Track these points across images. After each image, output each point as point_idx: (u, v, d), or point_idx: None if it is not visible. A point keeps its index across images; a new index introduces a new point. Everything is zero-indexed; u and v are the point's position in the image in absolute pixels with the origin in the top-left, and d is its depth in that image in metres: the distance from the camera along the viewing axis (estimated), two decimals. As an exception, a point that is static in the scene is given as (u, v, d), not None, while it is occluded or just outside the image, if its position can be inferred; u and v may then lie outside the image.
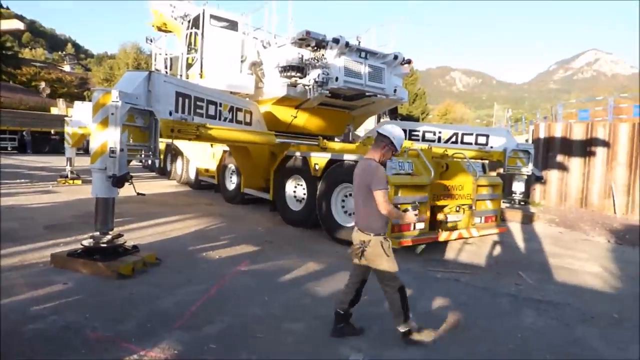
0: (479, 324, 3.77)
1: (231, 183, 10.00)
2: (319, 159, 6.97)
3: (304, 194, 7.48)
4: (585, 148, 12.42)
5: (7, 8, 75.01)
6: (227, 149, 9.47)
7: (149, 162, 15.45)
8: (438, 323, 3.73)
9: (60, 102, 31.65)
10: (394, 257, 3.30)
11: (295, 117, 8.72)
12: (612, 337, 3.69)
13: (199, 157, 11.28)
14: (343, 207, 6.58)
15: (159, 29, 11.28)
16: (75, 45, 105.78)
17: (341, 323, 3.38)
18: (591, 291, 4.96)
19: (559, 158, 12.87)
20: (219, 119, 6.41)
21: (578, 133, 12.69)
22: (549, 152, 13.15)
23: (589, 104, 22.11)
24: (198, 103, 5.94)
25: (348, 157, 6.46)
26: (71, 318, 3.35)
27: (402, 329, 3.26)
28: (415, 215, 3.43)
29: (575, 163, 12.55)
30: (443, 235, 6.09)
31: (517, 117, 42.16)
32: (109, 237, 4.67)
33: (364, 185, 3.19)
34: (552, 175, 12.88)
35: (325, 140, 7.99)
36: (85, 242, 4.64)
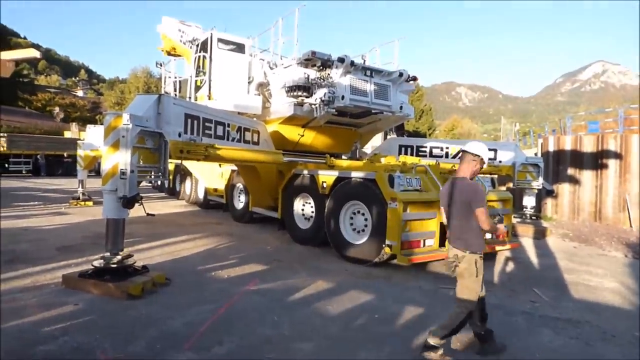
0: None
1: (239, 202, 10.05)
2: (326, 177, 6.98)
3: (312, 212, 7.47)
4: (596, 160, 12.28)
5: (25, 37, 77.61)
6: (235, 168, 9.55)
7: (159, 182, 15.67)
8: (451, 342, 3.65)
9: (74, 126, 32.38)
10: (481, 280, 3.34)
11: (303, 135, 8.79)
12: (635, 356, 3.56)
13: (208, 177, 11.39)
14: (351, 224, 6.55)
15: (169, 54, 11.58)
16: (88, 71, 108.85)
17: (485, 342, 3.40)
18: (610, 308, 4.82)
19: (570, 171, 12.73)
20: (227, 139, 6.49)
21: (588, 145, 12.58)
22: (559, 165, 13.03)
23: (599, 115, 21.98)
24: (206, 124, 6.03)
25: (355, 175, 6.46)
26: (81, 339, 3.35)
27: (432, 341, 3.20)
28: (505, 226, 3.54)
29: (586, 176, 12.40)
30: (454, 252, 6.01)
31: (524, 130, 41.96)
32: (119, 257, 4.69)
33: (463, 203, 3.26)
34: (564, 188, 12.72)
35: (332, 158, 8.01)
36: (96, 263, 4.67)
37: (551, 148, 13.45)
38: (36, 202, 12.21)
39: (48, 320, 3.72)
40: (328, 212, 6.82)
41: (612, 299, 5.14)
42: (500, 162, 9.71)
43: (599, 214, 12.01)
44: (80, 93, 67.78)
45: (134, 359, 3.11)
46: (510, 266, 6.67)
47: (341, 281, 5.35)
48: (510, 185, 10.54)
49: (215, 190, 11.27)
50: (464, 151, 3.45)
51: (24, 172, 24.55)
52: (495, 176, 8.95)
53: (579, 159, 12.65)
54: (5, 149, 23.73)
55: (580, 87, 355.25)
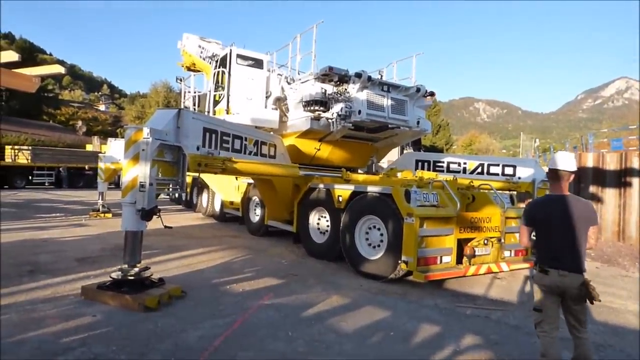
0: (513, 364, 3.58)
1: (255, 215, 10.09)
2: (342, 191, 6.98)
3: (328, 226, 7.45)
4: (619, 178, 11.96)
5: (51, 54, 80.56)
6: (252, 181, 9.63)
7: (176, 195, 15.93)
8: (469, 362, 3.56)
9: (95, 139, 33.17)
10: None
11: (319, 149, 8.84)
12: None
13: (224, 190, 11.50)
14: (367, 239, 6.50)
15: (189, 69, 11.88)
16: (110, 86, 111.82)
17: None
18: (634, 331, 4.64)
19: (592, 189, 12.42)
20: (244, 153, 6.56)
21: (611, 163, 12.26)
22: (581, 183, 12.73)
23: (622, 133, 21.52)
24: (224, 138, 6.12)
25: (371, 189, 6.44)
26: (99, 350, 3.39)
27: None
28: None
29: (609, 194, 12.07)
30: (471, 270, 5.90)
31: (545, 147, 41.28)
32: (136, 270, 4.75)
33: (584, 222, 3.09)
34: (585, 206, 12.38)
35: (348, 172, 8.02)
36: (114, 275, 4.73)
37: (572, 165, 13.15)
38: (57, 214, 12.50)
39: (67, 331, 3.77)
40: (343, 226, 6.80)
41: (635, 322, 4.95)
42: (519, 178, 9.52)
43: (623, 234, 11.64)
44: (102, 107, 69.71)
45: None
46: (530, 285, 6.50)
47: (356, 297, 5.29)
48: (527, 202, 10.32)
49: (232, 203, 11.36)
50: (562, 170, 3.20)
51: (46, 184, 25.18)
52: (514, 193, 8.81)
53: (601, 177, 12.34)
54: (29, 161, 24.45)
55: (603, 104, 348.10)
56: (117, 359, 3.27)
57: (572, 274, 3.04)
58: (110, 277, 4.74)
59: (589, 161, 12.80)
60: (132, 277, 4.68)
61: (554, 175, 3.24)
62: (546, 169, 3.87)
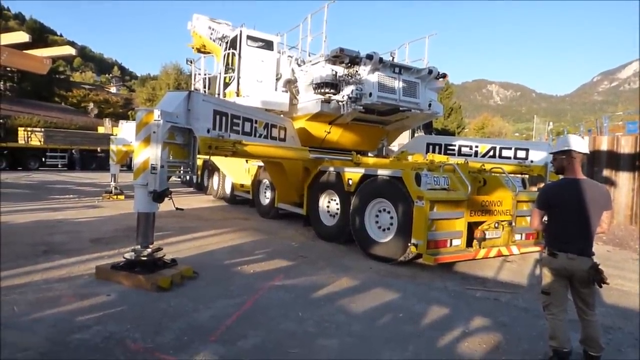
0: (521, 347, 3.60)
1: (265, 198, 10.15)
2: (352, 174, 6.96)
3: (338, 209, 7.47)
4: (634, 162, 11.74)
5: (61, 35, 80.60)
6: (262, 164, 9.65)
7: (187, 177, 16.07)
8: (477, 344, 3.59)
9: (107, 121, 33.35)
10: None
11: (329, 132, 8.79)
12: (671, 365, 3.41)
13: (235, 172, 11.55)
14: (377, 222, 6.50)
15: (199, 51, 11.81)
16: (121, 68, 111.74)
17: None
18: (643, 314, 4.63)
19: (606, 172, 12.23)
20: (254, 136, 6.56)
21: (626, 146, 12.03)
22: (594, 166, 12.53)
23: (638, 116, 21.02)
24: (234, 120, 6.10)
25: (382, 172, 6.41)
26: (113, 328, 3.48)
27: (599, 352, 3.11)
28: None
29: (623, 178, 11.88)
30: (481, 253, 5.89)
31: (558, 130, 40.59)
32: (149, 250, 4.83)
33: (598, 207, 3.07)
34: (599, 190, 12.21)
35: (358, 155, 7.98)
36: (127, 255, 4.82)
37: (586, 148, 12.94)
38: (71, 195, 12.70)
39: (82, 309, 3.87)
40: (353, 209, 6.80)
41: (648, 306, 4.92)
42: (532, 161, 9.39)
43: (635, 218, 11.49)
44: (113, 89, 69.88)
45: (162, 349, 3.20)
46: (540, 268, 6.47)
47: (365, 279, 5.33)
48: (542, 185, 10.19)
49: (242, 186, 11.42)
50: (574, 151, 3.16)
51: (59, 166, 25.51)
52: (527, 176, 8.70)
53: (615, 161, 12.13)
54: (42, 143, 24.76)
55: (619, 86, 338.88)
56: (131, 337, 3.35)
57: (581, 257, 3.04)
58: (124, 258, 4.83)
59: (604, 144, 12.57)
60: (145, 258, 4.76)
61: (568, 156, 3.20)
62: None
